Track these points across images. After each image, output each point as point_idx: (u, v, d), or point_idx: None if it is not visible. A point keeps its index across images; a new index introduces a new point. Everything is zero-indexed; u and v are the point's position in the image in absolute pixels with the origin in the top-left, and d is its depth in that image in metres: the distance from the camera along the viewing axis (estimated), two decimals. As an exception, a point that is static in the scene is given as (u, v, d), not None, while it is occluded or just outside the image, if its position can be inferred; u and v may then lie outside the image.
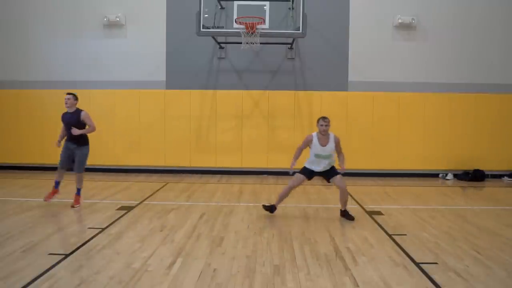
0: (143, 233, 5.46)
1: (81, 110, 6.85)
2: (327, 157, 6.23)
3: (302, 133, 10.67)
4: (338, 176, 6.24)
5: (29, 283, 3.77)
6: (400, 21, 10.50)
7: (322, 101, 10.57)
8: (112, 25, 10.82)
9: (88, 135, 6.91)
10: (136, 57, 10.79)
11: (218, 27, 9.54)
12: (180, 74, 10.77)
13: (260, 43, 8.95)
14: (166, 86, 10.82)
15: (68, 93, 6.91)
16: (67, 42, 10.90)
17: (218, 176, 10.55)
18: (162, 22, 10.76)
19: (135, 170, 10.82)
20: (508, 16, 10.62)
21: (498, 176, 10.54)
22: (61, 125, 6.94)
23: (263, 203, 6.76)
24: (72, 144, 6.84)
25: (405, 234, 5.51)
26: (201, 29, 8.87)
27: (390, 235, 5.47)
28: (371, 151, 10.53)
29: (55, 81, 10.87)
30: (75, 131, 6.65)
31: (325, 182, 9.68)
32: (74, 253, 4.60)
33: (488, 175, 10.48)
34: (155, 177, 10.25)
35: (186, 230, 5.59)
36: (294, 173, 6.38)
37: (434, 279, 4.00)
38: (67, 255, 4.51)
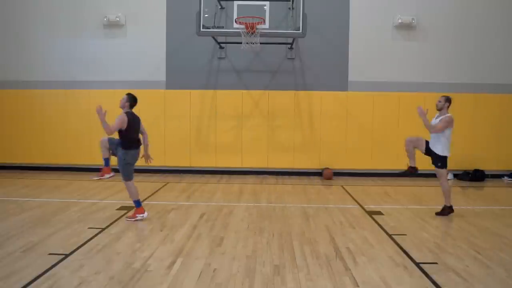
0: (143, 233, 5.46)
1: None
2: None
3: (302, 133, 10.71)
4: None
5: (29, 283, 3.77)
6: (400, 21, 10.50)
7: (322, 101, 10.57)
8: (112, 25, 10.81)
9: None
10: (136, 57, 10.78)
11: (218, 27, 9.53)
12: (180, 74, 10.76)
13: (260, 43, 8.93)
14: (166, 86, 10.81)
15: None
16: (67, 42, 10.89)
17: (218, 176, 10.55)
18: (162, 22, 10.75)
19: (135, 170, 10.70)
20: (507, 16, 10.61)
21: (498, 176, 10.53)
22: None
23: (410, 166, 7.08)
24: None
25: (405, 234, 5.51)
26: (201, 29, 8.86)
27: (390, 235, 5.47)
28: (371, 151, 10.51)
29: (55, 81, 10.86)
30: None
31: (325, 182, 9.87)
32: (74, 253, 4.59)
33: (488, 175, 10.47)
34: (155, 177, 10.24)
35: (186, 230, 5.59)
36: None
37: (434, 279, 3.99)
38: (67, 255, 4.51)
